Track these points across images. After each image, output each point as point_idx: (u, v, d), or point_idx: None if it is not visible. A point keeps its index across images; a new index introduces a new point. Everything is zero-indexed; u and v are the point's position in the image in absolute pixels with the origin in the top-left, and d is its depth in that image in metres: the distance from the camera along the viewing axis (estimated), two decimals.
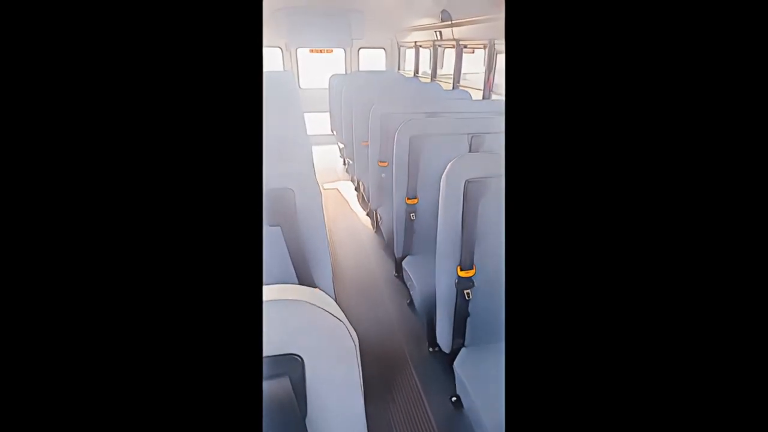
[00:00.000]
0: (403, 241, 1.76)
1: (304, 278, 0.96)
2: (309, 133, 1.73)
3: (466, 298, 1.11)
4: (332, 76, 4.19)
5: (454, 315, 1.15)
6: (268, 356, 0.43)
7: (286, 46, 5.05)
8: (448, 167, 1.07)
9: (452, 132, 1.58)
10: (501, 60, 2.81)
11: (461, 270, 1.10)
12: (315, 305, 0.45)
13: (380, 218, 2.34)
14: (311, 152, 1.48)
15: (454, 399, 1.25)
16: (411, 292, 1.71)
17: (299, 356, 0.45)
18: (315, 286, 1.00)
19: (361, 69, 5.33)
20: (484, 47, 2.88)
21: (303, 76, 5.33)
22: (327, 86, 4.32)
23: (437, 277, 1.17)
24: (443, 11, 3.36)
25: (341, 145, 3.98)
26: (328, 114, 4.54)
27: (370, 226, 2.78)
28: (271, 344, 0.44)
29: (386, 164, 2.01)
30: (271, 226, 0.91)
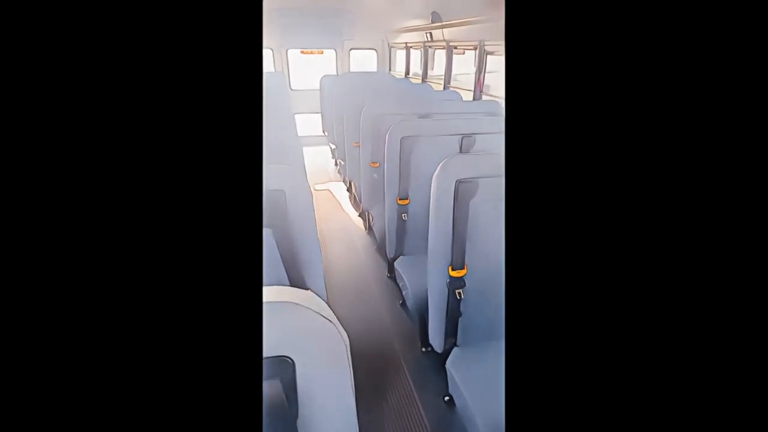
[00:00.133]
0: (395, 241, 1.76)
1: (296, 280, 0.95)
2: (300, 134, 1.73)
3: (458, 297, 1.11)
4: (323, 77, 4.18)
5: (446, 315, 1.16)
6: None
7: (277, 47, 5.02)
8: (438, 168, 1.07)
9: (443, 133, 1.58)
10: (491, 61, 2.84)
11: (453, 270, 1.10)
12: (305, 307, 0.45)
13: (372, 219, 2.34)
14: (302, 153, 1.47)
15: (446, 398, 1.25)
16: (403, 293, 1.71)
17: (290, 358, 0.44)
18: (306, 288, 0.99)
19: (352, 70, 5.31)
20: (474, 48, 2.90)
21: (294, 77, 5.29)
22: (318, 87, 4.30)
23: (429, 277, 1.17)
24: (433, 13, 3.37)
25: (333, 146, 3.97)
26: (319, 115, 4.53)
27: (362, 227, 2.78)
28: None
29: (378, 165, 2.00)
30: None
